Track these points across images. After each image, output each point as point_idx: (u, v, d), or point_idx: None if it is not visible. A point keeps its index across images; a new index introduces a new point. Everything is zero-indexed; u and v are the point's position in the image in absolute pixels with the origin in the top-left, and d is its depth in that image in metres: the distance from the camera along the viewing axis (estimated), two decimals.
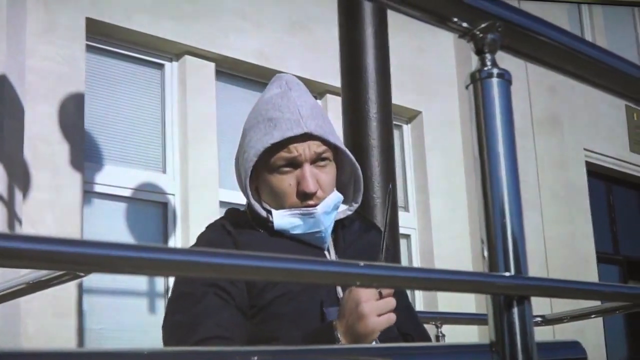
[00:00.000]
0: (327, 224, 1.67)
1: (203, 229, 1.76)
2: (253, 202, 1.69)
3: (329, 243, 1.72)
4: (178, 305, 1.61)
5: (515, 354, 0.93)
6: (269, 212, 1.68)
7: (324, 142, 1.68)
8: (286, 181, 1.66)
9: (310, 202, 1.65)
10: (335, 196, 1.70)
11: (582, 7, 8.19)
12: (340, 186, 1.77)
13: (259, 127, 1.68)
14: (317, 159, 1.67)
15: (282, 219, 1.66)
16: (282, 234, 1.67)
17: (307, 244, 1.68)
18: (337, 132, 1.77)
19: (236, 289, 1.59)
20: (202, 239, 1.71)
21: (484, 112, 1.00)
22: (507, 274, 0.94)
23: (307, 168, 1.65)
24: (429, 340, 1.89)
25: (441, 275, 0.95)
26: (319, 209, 1.65)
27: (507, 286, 0.95)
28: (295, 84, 1.73)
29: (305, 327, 1.57)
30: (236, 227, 1.70)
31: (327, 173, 1.69)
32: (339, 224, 1.76)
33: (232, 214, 1.77)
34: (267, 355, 0.86)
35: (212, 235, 1.70)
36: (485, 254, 0.97)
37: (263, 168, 1.68)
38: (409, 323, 1.79)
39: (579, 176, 7.39)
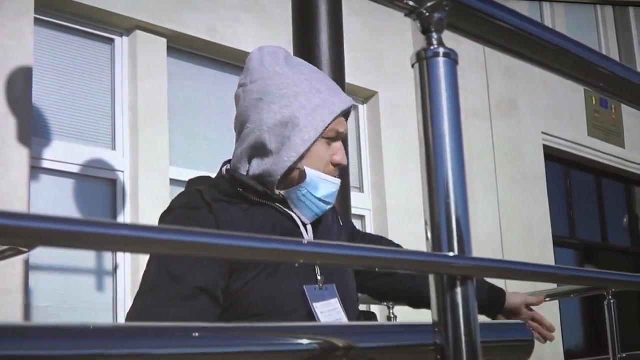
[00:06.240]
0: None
1: (158, 206, 1.79)
2: (249, 164, 1.71)
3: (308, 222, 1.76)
4: (155, 292, 1.55)
5: (458, 334, 0.93)
6: (255, 179, 1.69)
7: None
8: (329, 151, 1.72)
9: (336, 174, 1.74)
10: None
11: (544, 6, 8.17)
12: None
13: (308, 96, 1.68)
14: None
15: (319, 181, 1.70)
16: (262, 204, 1.68)
17: (286, 217, 1.70)
18: None
19: (219, 289, 1.58)
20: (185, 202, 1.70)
21: (429, 91, 1.00)
22: (450, 253, 0.94)
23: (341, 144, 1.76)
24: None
25: (384, 254, 0.95)
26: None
27: (450, 266, 0.94)
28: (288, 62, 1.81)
29: (285, 306, 1.59)
30: (222, 194, 1.68)
31: None
32: None
33: (210, 182, 1.75)
34: (208, 331, 0.85)
35: (191, 197, 1.70)
36: (429, 234, 0.97)
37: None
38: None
39: (536, 159, 7.40)
